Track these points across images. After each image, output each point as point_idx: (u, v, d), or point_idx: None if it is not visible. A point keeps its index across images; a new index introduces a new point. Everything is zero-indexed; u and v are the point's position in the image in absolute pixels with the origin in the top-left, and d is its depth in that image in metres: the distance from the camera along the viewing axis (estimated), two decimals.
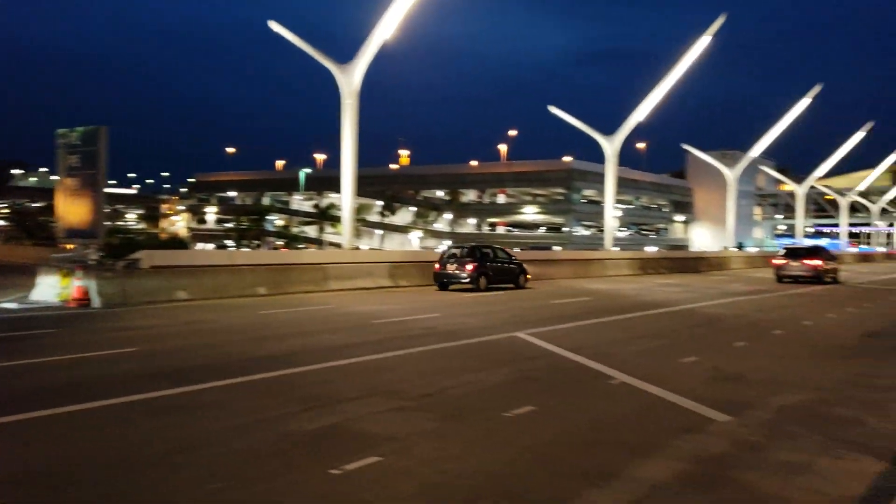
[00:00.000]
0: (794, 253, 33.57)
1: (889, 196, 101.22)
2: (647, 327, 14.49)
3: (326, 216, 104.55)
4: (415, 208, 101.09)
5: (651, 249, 72.27)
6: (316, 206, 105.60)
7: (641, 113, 38.53)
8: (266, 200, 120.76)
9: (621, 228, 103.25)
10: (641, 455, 5.79)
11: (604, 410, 7.31)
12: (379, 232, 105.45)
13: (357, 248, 32.76)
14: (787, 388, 8.49)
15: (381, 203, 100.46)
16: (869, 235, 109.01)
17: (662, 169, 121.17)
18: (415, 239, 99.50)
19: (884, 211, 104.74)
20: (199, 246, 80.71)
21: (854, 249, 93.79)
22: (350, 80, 25.75)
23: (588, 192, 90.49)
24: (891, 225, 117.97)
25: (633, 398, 7.90)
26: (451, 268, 24.20)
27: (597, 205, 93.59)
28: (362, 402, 7.48)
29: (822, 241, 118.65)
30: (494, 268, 25.09)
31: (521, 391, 8.12)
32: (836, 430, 6.67)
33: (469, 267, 23.82)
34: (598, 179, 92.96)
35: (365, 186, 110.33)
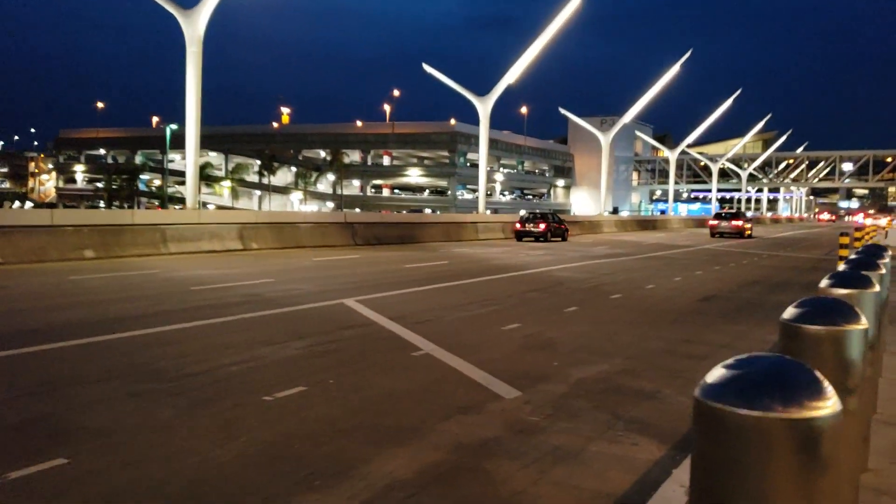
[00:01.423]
0: (722, 216, 47.08)
1: (756, 163, 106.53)
2: (487, 292, 13.91)
3: (202, 176, 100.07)
4: (295, 169, 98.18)
5: (523, 213, 72.95)
6: None
7: (513, 75, 38.09)
8: (139, 159, 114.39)
9: (504, 192, 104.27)
10: (396, 443, 5.00)
11: (387, 388, 6.51)
12: (258, 193, 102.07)
13: (203, 208, 30.89)
14: (595, 358, 7.98)
15: (259, 163, 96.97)
16: (740, 201, 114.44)
17: (549, 135, 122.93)
18: (296, 201, 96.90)
19: (752, 177, 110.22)
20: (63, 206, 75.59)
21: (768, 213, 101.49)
22: (194, 26, 23.76)
23: (473, 156, 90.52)
24: (759, 190, 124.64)
25: (428, 372, 7.15)
26: (529, 226, 34.50)
27: None
28: (103, 385, 6.37)
29: (695, 207, 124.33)
30: (553, 227, 35.17)
31: (306, 368, 7.22)
32: (629, 406, 6.13)
33: (542, 226, 34.37)
34: None
35: (243, 145, 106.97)
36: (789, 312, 2.92)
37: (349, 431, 5.29)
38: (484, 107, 39.13)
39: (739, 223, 44.45)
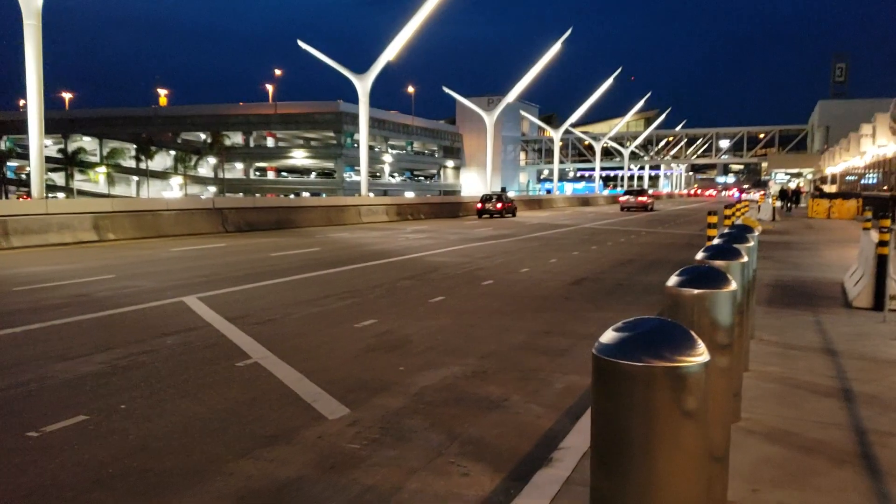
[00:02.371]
0: (630, 192, 55.28)
1: (638, 141, 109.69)
2: (353, 282, 12.93)
3: (75, 161, 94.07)
4: (174, 152, 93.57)
5: (410, 195, 72.26)
6: (62, 150, 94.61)
7: (392, 52, 36.94)
8: (5, 145, 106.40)
9: (394, 174, 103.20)
10: (166, 495, 3.99)
11: (187, 414, 5.45)
12: (136, 179, 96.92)
13: (52, 197, 28.44)
14: (447, 359, 7.17)
15: (136, 147, 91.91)
16: (623, 178, 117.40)
17: (441, 116, 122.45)
18: (176, 186, 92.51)
19: (634, 155, 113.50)
20: None
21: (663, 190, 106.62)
22: None
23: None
24: (641, 168, 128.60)
25: (247, 389, 6.13)
26: (488, 205, 40.59)
27: (370, 150, 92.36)
28: None
29: (580, 185, 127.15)
30: (506, 206, 41.13)
31: (99, 389, 6.05)
32: (469, 421, 5.33)
33: (499, 205, 40.60)
34: (372, 124, 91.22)
35: (118, 128, 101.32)
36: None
37: (111, 481, 4.23)
38: (363, 85, 37.82)
39: (644, 199, 52.80)
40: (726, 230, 7.11)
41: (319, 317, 9.53)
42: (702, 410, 2.05)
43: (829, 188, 61.19)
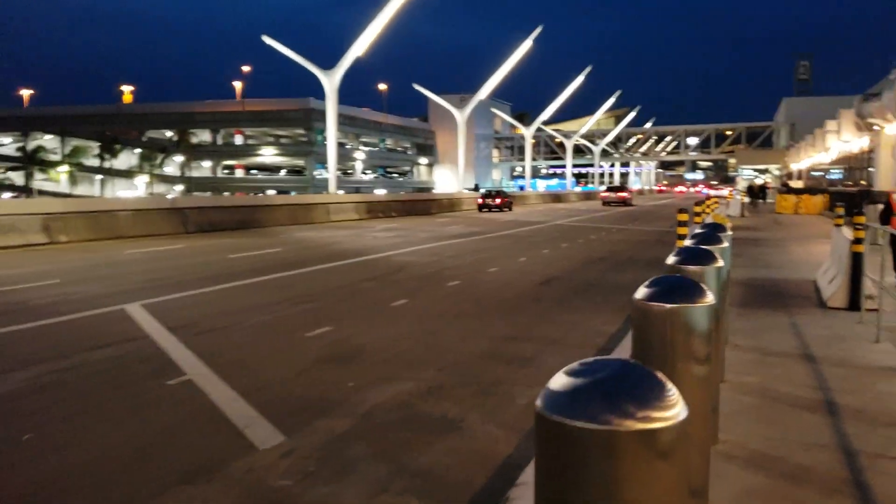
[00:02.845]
0: (611, 189, 59.18)
1: (608, 138, 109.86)
2: (309, 285, 12.33)
3: (35, 160, 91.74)
4: (140, 151, 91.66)
5: (381, 192, 71.52)
6: (21, 148, 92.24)
7: (360, 48, 36.19)
8: None
9: (367, 171, 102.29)
10: None
11: (100, 445, 4.84)
12: (100, 178, 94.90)
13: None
14: (403, 371, 6.63)
15: (99, 145, 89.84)
16: (594, 175, 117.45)
17: (414, 113, 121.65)
18: (141, 185, 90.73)
19: (605, 152, 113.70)
20: None
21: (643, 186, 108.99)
22: None
23: None
24: (612, 165, 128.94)
25: (175, 411, 5.54)
26: (489, 200, 44.78)
27: (342, 147, 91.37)
28: None
29: (553, 182, 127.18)
30: (504, 201, 45.13)
31: (9, 416, 5.42)
32: (420, 448, 4.79)
33: (498, 200, 44.84)
34: (343, 121, 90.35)
35: (81, 126, 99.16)
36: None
37: None
38: (330, 81, 37.02)
39: (624, 194, 55.65)
40: (698, 229, 6.67)
41: (269, 325, 8.94)
42: (677, 469, 1.62)
43: (796, 184, 61.55)
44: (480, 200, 45.53)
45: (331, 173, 38.10)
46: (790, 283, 11.91)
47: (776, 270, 13.79)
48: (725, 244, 5.78)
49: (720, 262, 4.36)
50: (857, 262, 8.98)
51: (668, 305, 2.99)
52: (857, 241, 9.03)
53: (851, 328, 8.01)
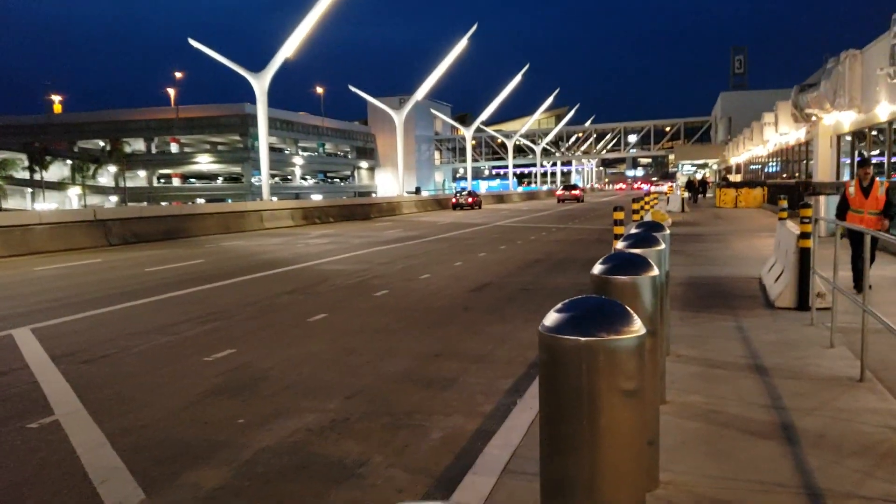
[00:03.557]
0: (566, 188, 65.30)
1: (549, 137, 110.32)
2: (221, 301, 11.32)
3: None
4: (71, 161, 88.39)
5: (318, 197, 70.19)
6: None
7: (289, 49, 34.96)
8: None
9: (306, 176, 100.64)
10: None
11: None
12: (30, 191, 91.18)
13: None
14: (305, 402, 5.77)
15: (27, 157, 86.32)
16: (536, 175, 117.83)
17: (355, 117, 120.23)
18: (74, 197, 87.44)
19: (547, 151, 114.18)
20: None
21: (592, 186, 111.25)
22: None
23: (271, 140, 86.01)
24: (554, 164, 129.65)
25: (29, 462, 4.58)
26: (461, 200, 50.86)
27: (279, 152, 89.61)
28: None
29: (495, 183, 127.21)
30: (476, 200, 51.48)
31: None
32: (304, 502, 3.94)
33: (471, 199, 50.87)
34: (279, 126, 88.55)
35: (8, 137, 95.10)
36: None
37: None
38: (260, 83, 35.73)
39: (577, 192, 62.95)
40: (633, 229, 5.95)
41: (166, 349, 7.95)
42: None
43: (735, 177, 62.33)
44: (454, 200, 51.85)
45: (264, 179, 36.79)
46: (734, 282, 11.40)
47: (719, 267, 13.31)
48: (663, 246, 5.03)
49: (655, 271, 3.62)
50: (805, 258, 8.42)
51: (584, 339, 2.35)
52: (805, 235, 8.49)
53: (802, 331, 7.43)
